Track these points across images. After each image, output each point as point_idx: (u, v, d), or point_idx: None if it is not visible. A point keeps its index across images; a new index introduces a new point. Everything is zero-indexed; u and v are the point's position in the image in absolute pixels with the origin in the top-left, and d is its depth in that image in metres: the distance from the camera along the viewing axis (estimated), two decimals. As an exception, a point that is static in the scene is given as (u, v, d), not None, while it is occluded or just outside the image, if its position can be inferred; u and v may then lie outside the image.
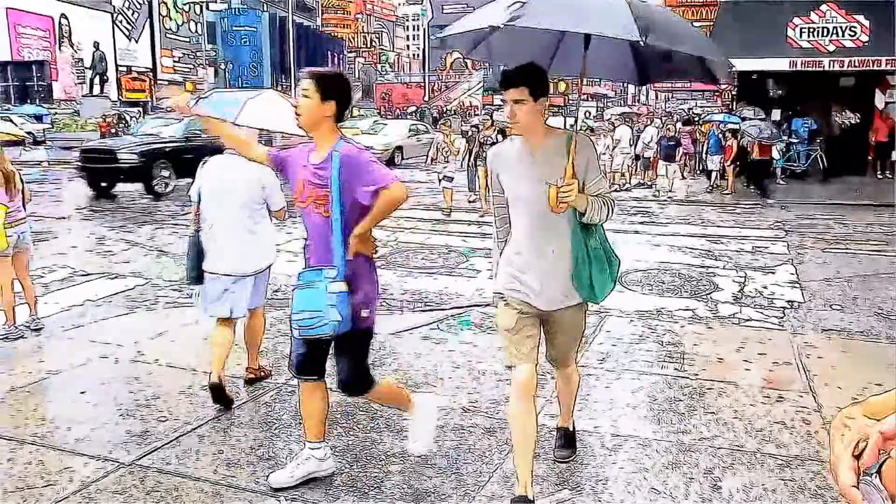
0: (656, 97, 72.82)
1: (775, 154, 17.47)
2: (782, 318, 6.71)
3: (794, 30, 17.83)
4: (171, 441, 4.08)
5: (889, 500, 0.92)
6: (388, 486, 3.60)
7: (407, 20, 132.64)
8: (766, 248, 10.09)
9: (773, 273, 8.50)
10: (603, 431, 4.22)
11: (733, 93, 26.28)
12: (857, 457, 0.97)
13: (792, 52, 17.69)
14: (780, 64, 17.75)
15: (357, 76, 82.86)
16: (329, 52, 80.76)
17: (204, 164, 4.67)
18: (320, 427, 3.61)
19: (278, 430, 4.27)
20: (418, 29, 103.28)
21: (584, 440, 4.09)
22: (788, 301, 7.25)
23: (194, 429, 4.22)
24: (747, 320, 6.64)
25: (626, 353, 5.64)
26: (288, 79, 66.45)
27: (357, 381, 3.50)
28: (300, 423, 4.25)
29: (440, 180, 13.54)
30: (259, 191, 4.51)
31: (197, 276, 4.59)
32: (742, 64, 18.37)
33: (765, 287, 7.80)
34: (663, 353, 5.70)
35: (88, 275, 8.14)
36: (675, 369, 5.30)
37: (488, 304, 6.92)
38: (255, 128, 4.85)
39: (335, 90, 3.26)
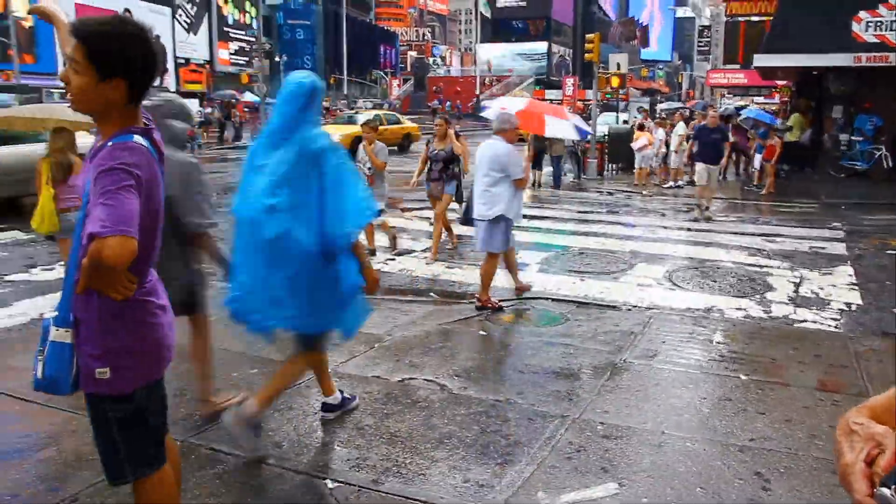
0: (711, 93, 71.44)
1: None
2: (839, 319, 6.53)
3: (859, 24, 17.23)
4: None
5: None
6: (432, 472, 3.63)
7: (459, 15, 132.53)
8: (824, 248, 9.83)
9: (830, 274, 8.28)
10: (650, 428, 4.18)
11: (792, 89, 25.63)
12: (869, 463, 0.92)
13: (857, 47, 17.11)
14: (844, 59, 17.16)
15: (409, 69, 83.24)
16: (382, 46, 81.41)
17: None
18: None
19: (321, 416, 4.33)
20: (471, 23, 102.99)
21: (632, 437, 4.07)
22: (846, 303, 7.05)
23: (245, 412, 4.30)
24: (802, 321, 6.48)
25: (675, 351, 5.56)
26: (341, 72, 67.22)
27: (105, 467, 2.43)
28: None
29: None
30: (498, 163, 6.27)
31: (466, 219, 7.00)
32: (802, 59, 17.90)
33: (821, 288, 7.61)
34: (713, 353, 5.61)
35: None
36: (726, 368, 5.21)
37: (537, 298, 6.91)
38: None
39: (120, 61, 2.13)
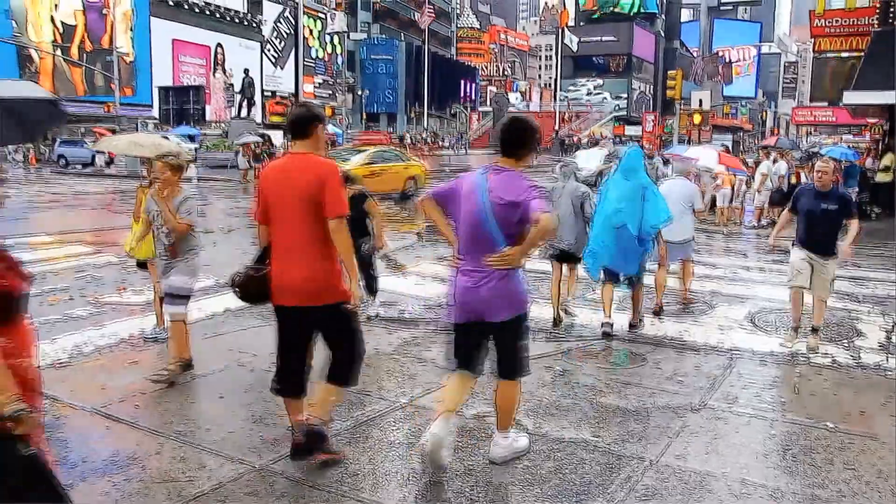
0: (797, 130, 69.50)
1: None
2: (936, 371, 6.19)
3: (959, 58, 16.48)
4: (299, 449, 4.26)
5: None
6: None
7: (540, 50, 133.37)
8: (919, 294, 9.35)
9: (926, 322, 7.86)
10: (731, 476, 4.05)
11: (885, 127, 24.66)
12: None
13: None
14: (942, 96, 16.41)
15: (489, 104, 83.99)
16: (462, 80, 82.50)
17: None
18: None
19: (397, 449, 4.36)
20: (551, 59, 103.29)
21: (711, 483, 3.95)
22: (944, 353, 6.68)
23: (321, 439, 4.38)
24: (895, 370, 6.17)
25: (757, 397, 5.38)
26: (422, 105, 68.41)
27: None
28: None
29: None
30: (686, 198, 8.07)
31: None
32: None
33: (916, 336, 7.24)
34: (798, 399, 5.40)
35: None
36: (810, 417, 5.01)
37: (615, 337, 6.81)
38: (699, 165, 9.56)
39: None
